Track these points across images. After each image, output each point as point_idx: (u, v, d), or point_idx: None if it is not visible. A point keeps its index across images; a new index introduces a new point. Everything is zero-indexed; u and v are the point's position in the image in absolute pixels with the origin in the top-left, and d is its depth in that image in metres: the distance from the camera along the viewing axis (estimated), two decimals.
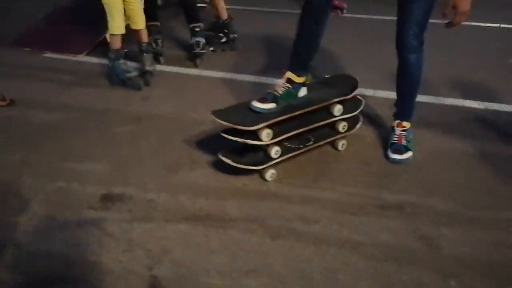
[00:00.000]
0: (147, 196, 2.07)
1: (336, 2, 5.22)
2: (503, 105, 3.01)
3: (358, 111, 2.46)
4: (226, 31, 4.11)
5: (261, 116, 2.12)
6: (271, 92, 2.22)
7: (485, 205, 2.01)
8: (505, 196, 2.08)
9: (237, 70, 3.65)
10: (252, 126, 2.05)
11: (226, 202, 2.03)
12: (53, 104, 3.07)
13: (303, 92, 2.29)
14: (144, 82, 3.38)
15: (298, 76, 2.23)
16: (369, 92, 3.15)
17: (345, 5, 5.34)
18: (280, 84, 2.24)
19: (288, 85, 2.22)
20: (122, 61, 3.27)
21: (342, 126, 2.42)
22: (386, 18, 4.51)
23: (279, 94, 2.19)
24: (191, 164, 2.34)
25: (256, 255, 1.73)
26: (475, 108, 3.00)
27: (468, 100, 3.09)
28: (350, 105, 2.43)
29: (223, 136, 2.14)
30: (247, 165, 2.13)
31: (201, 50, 3.77)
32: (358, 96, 2.51)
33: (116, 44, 3.23)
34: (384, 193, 2.09)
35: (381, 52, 3.45)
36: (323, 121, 2.33)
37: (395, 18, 2.21)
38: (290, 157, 2.26)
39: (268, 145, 2.15)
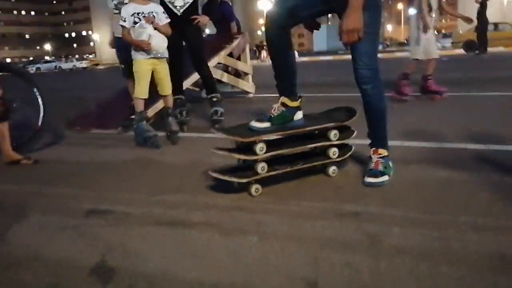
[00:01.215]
0: (127, 211, 2.27)
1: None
2: (505, 146, 2.97)
3: (348, 139, 2.59)
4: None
5: (257, 133, 2.36)
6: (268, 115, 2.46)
7: (447, 212, 1.97)
8: (474, 206, 2.02)
9: None
10: (248, 138, 2.30)
11: (194, 214, 2.17)
12: (83, 160, 3.49)
13: (298, 116, 2.50)
14: (171, 141, 3.77)
15: (291, 100, 2.45)
16: None
17: (443, 90, 5.45)
18: (275, 107, 2.48)
19: (283, 108, 2.45)
20: (144, 122, 3.70)
21: (332, 152, 2.54)
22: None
23: (274, 115, 2.43)
24: (176, 192, 2.53)
25: (201, 246, 1.82)
26: (476, 149, 2.97)
27: (471, 144, 3.09)
28: (343, 134, 2.58)
29: (214, 152, 2.41)
30: (232, 178, 2.31)
31: (219, 117, 4.14)
32: (352, 128, 2.64)
33: (140, 107, 3.68)
34: (346, 206, 2.13)
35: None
36: (316, 144, 2.50)
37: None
38: (276, 179, 2.43)
39: (256, 161, 2.33)
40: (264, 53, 26.03)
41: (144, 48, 3.54)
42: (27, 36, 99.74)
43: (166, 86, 3.77)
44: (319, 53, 47.25)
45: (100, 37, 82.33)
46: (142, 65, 3.63)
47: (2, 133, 3.38)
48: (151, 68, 3.65)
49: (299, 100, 2.50)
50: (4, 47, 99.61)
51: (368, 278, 1.49)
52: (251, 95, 6.53)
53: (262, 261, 1.65)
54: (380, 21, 2.32)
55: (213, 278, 1.57)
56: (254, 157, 2.31)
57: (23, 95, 3.73)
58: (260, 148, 2.31)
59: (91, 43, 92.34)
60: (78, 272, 1.68)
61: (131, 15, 3.60)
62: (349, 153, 2.63)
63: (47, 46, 66.68)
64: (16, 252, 1.88)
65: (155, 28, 3.60)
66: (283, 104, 2.46)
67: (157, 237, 1.93)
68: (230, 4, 7.26)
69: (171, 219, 2.13)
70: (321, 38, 75.57)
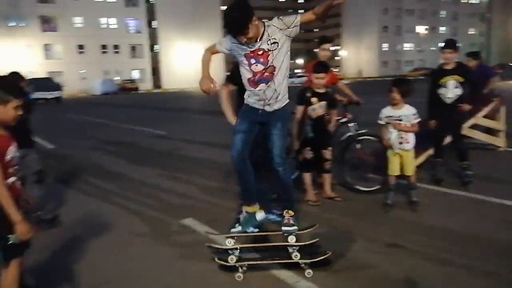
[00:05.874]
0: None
1: None
2: None
3: (306, 243, 3.33)
4: None
5: (233, 235, 3.41)
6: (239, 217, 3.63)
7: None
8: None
9: None
10: (223, 246, 3.40)
11: None
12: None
13: (260, 216, 3.56)
14: (411, 208, 4.84)
15: (250, 206, 3.54)
16: None
17: None
18: (243, 214, 3.60)
19: (246, 215, 3.55)
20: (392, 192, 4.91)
21: (294, 255, 3.27)
22: None
23: (241, 221, 3.56)
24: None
25: None
26: None
27: None
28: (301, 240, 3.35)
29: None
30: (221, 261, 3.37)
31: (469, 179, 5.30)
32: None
33: (392, 182, 4.85)
34: None
35: None
36: (276, 246, 3.47)
37: None
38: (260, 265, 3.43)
39: (228, 256, 3.32)
40: None
41: (389, 146, 4.74)
42: None
43: (409, 169, 4.80)
44: None
45: (347, 53, 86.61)
46: (392, 154, 4.78)
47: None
48: (398, 156, 4.74)
49: (257, 206, 3.54)
50: None
51: None
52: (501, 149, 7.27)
53: None
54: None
55: None
56: (229, 260, 3.31)
57: None
58: (232, 249, 3.31)
59: (336, 57, 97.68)
60: None
61: (386, 117, 4.74)
62: (320, 258, 3.22)
63: (299, 61, 74.54)
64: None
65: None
66: (246, 211, 3.53)
67: None
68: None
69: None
70: None
